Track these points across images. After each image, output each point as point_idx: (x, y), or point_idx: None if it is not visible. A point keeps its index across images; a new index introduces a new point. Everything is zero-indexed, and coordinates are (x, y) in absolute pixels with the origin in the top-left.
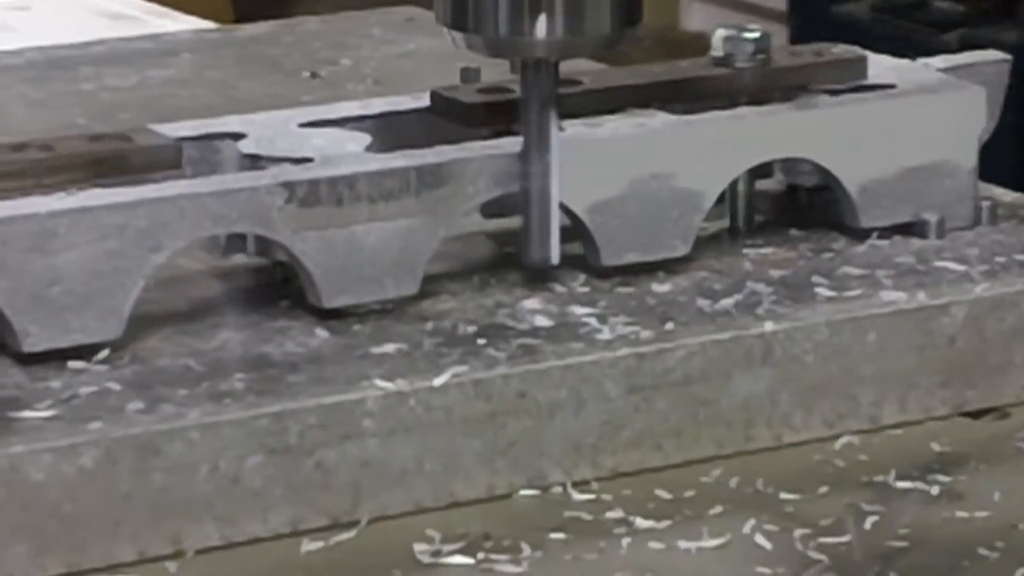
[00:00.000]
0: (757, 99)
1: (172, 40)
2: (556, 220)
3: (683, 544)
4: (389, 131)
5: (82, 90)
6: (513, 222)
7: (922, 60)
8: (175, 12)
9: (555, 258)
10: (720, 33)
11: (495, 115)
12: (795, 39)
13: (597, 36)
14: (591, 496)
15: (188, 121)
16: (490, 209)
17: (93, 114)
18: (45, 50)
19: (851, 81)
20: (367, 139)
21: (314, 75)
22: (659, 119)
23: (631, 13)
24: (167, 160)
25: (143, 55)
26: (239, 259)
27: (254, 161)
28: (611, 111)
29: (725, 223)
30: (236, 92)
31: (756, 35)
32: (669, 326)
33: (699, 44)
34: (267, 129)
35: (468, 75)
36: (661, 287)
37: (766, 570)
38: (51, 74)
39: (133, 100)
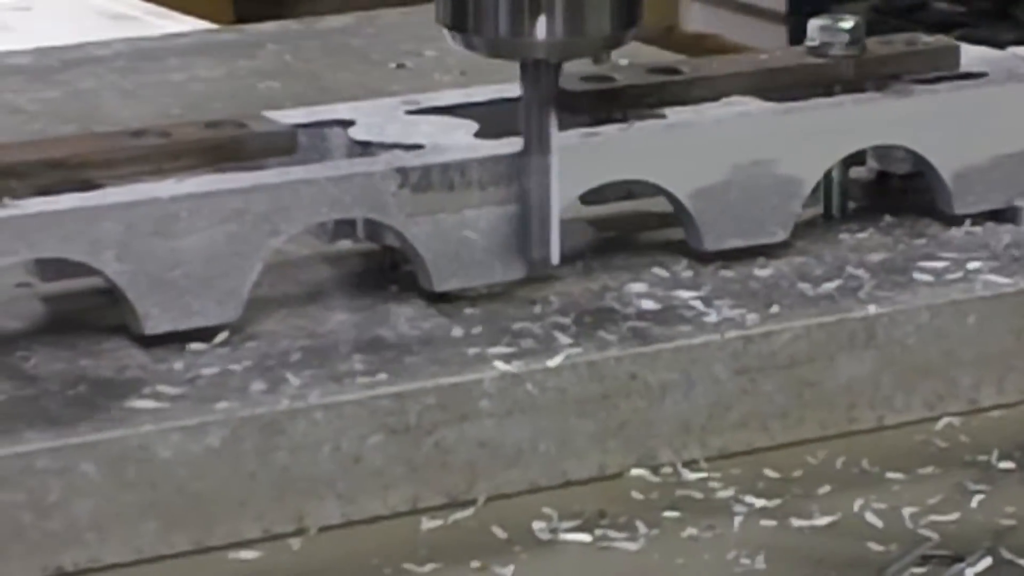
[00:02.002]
0: (852, 87)
1: (256, 32)
2: (556, 220)
3: (795, 522)
4: (494, 118)
5: (172, 80)
6: (612, 208)
7: (1011, 49)
8: (176, 12)
9: (555, 258)
10: (815, 23)
11: (598, 103)
12: (795, 40)
13: (597, 37)
14: (701, 475)
15: (296, 109)
16: (589, 196)
17: (186, 104)
18: (132, 41)
19: (943, 70)
20: (475, 126)
21: (400, 66)
22: (760, 107)
23: (631, 14)
24: (282, 146)
25: (229, 46)
26: (345, 244)
27: (365, 147)
28: (711, 99)
29: (818, 210)
30: (324, 82)
31: (851, 24)
32: (774, 309)
33: (699, 44)
34: (375, 116)
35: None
36: (762, 271)
37: (879, 547)
38: (140, 65)
39: (224, 90)
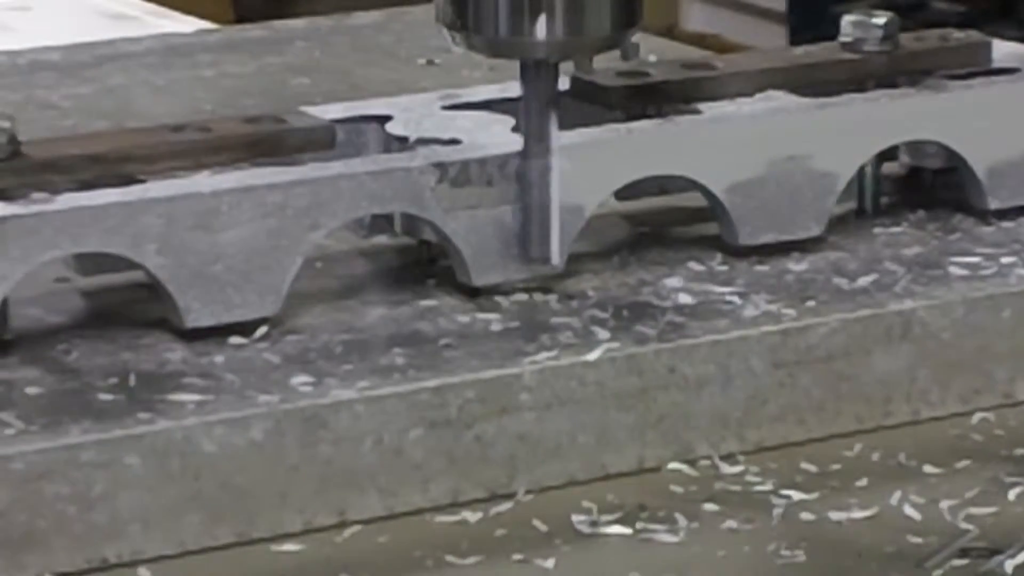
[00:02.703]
0: (885, 83)
1: (284, 28)
2: (556, 220)
3: (834, 515)
4: None
5: (203, 76)
6: (645, 203)
7: None
8: (175, 12)
9: (555, 258)
10: (848, 18)
11: (633, 98)
12: (794, 39)
13: (597, 37)
14: (739, 469)
15: (333, 104)
16: (623, 191)
17: (217, 99)
18: (161, 38)
19: (976, 66)
20: (511, 121)
21: (430, 62)
22: (796, 102)
23: (631, 14)
24: (321, 141)
25: (258, 43)
26: (381, 239)
27: (402, 142)
28: (745, 94)
29: (851, 205)
30: (355, 79)
31: (884, 20)
32: (810, 303)
33: (699, 44)
34: (412, 111)
35: (580, 63)
36: (797, 266)
37: (918, 539)
38: (171, 61)
39: (255, 86)
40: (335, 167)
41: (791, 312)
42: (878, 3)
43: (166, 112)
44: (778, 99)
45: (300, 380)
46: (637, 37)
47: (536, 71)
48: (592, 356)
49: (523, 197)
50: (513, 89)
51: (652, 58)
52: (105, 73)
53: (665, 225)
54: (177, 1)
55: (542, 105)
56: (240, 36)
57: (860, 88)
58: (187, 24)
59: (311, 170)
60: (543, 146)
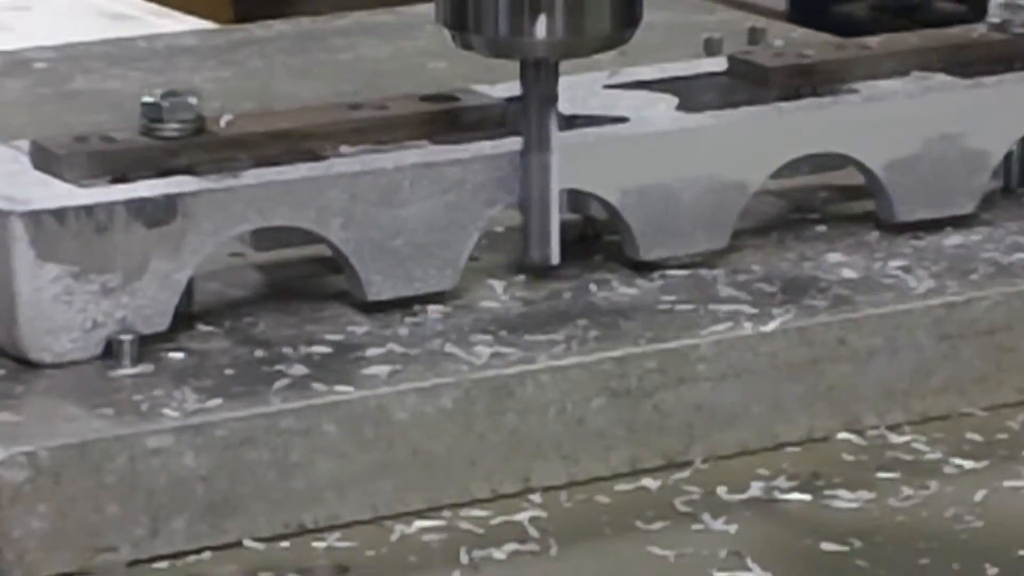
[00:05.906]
0: None
1: (412, 13)
2: (556, 219)
3: (1007, 483)
4: (691, 92)
5: (340, 60)
6: (798, 181)
7: None
8: (175, 12)
9: (555, 258)
10: (997, 0)
11: (791, 78)
12: None
13: (597, 36)
14: (906, 438)
15: (500, 84)
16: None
17: (359, 82)
18: (293, 22)
19: None
20: (675, 100)
21: None
22: (949, 82)
23: (631, 13)
24: (494, 119)
25: (388, 27)
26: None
27: (570, 121)
28: (899, 74)
29: (996, 183)
30: (490, 62)
31: None
32: (972, 277)
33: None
34: (577, 91)
35: (711, 46)
36: (954, 242)
37: None
38: (306, 45)
39: (393, 69)
40: (511, 144)
41: (954, 285)
42: (878, 4)
43: (311, 94)
44: (931, 79)
45: (484, 351)
46: (761, 23)
47: (536, 71)
48: (768, 328)
49: (523, 197)
50: (669, 70)
51: (779, 43)
52: (243, 57)
53: (817, 202)
54: (177, 1)
55: (542, 104)
56: (369, 21)
57: (1008, 68)
58: (188, 24)
59: (488, 147)
60: (543, 144)
